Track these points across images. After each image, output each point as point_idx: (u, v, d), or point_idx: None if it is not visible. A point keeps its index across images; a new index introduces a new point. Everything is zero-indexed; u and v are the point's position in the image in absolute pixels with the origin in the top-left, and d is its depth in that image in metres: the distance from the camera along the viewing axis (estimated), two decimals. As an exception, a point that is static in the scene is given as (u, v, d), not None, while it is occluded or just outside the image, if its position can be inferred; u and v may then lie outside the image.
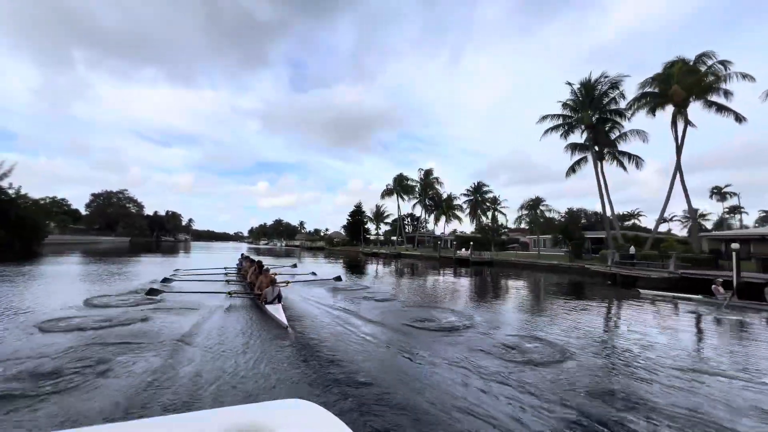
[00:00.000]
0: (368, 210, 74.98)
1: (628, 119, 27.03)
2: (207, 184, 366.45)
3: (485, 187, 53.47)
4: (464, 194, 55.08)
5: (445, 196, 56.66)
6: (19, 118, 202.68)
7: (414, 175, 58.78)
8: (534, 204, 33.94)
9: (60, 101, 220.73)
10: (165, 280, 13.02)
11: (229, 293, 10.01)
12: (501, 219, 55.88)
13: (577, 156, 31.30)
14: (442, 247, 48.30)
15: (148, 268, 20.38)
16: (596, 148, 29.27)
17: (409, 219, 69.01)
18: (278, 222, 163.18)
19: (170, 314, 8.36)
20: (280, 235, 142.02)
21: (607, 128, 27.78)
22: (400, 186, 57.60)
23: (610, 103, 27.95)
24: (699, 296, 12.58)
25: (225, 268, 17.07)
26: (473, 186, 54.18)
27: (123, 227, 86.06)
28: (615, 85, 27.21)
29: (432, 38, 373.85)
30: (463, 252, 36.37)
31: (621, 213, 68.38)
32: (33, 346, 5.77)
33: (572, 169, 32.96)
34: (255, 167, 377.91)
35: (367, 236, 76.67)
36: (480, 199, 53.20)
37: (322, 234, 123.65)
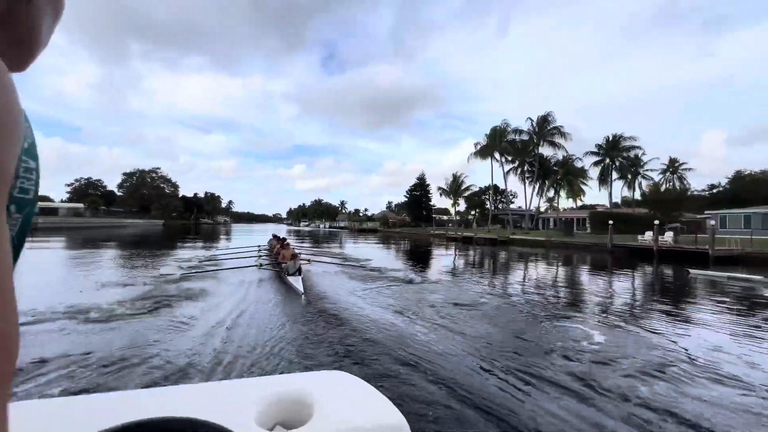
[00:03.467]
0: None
1: None
2: (245, 168, 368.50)
3: (626, 142, 36.69)
4: (592, 152, 38.60)
5: (559, 157, 40.23)
6: (84, 113, 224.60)
7: (521, 124, 41.30)
8: None
9: (117, 94, 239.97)
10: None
11: (259, 265, 10.99)
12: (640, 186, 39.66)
13: None
14: (559, 230, 33.19)
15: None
16: None
17: (491, 192, 53.68)
18: (317, 202, 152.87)
19: (204, 286, 8.61)
20: (321, 216, 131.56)
21: None
22: (507, 142, 39.46)
23: None
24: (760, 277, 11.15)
25: (258, 246, 17.47)
26: (606, 140, 37.58)
27: (156, 209, 78.46)
28: None
29: (477, 8, 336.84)
30: (658, 236, 21.28)
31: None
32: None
33: None
34: (292, 150, 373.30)
35: (432, 215, 62.85)
36: (621, 160, 36.82)
37: (361, 214, 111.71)
